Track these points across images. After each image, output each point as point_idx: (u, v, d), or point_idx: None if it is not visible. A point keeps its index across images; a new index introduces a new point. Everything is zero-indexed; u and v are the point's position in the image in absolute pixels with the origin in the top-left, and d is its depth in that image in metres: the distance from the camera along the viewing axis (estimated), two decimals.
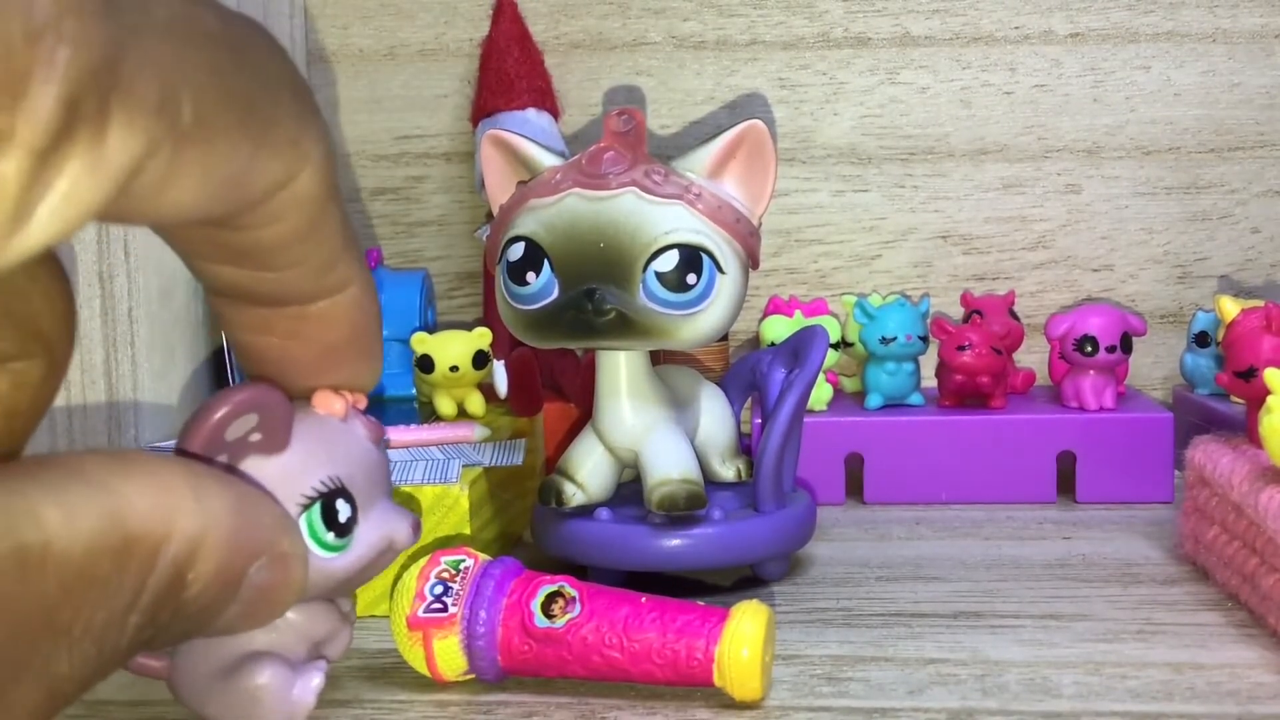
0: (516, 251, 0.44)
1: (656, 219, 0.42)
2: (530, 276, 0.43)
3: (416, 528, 0.33)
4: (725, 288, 0.43)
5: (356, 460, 0.32)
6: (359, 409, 0.32)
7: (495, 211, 0.46)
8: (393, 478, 0.45)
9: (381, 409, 0.60)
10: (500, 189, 0.46)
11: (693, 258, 0.43)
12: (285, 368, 0.31)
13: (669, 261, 0.42)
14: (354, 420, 0.32)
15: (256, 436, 0.30)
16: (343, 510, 0.31)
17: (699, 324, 0.43)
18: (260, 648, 0.32)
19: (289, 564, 0.28)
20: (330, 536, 0.31)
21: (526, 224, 0.44)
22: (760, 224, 0.45)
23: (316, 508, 0.31)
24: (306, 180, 0.26)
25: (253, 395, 0.29)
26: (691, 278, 0.43)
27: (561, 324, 0.43)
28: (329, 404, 0.31)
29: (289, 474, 0.30)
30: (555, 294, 0.43)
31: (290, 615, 0.33)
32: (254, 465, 0.30)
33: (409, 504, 0.45)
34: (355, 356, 0.31)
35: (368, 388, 0.32)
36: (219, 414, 0.29)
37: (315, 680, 0.33)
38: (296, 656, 0.33)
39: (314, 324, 0.30)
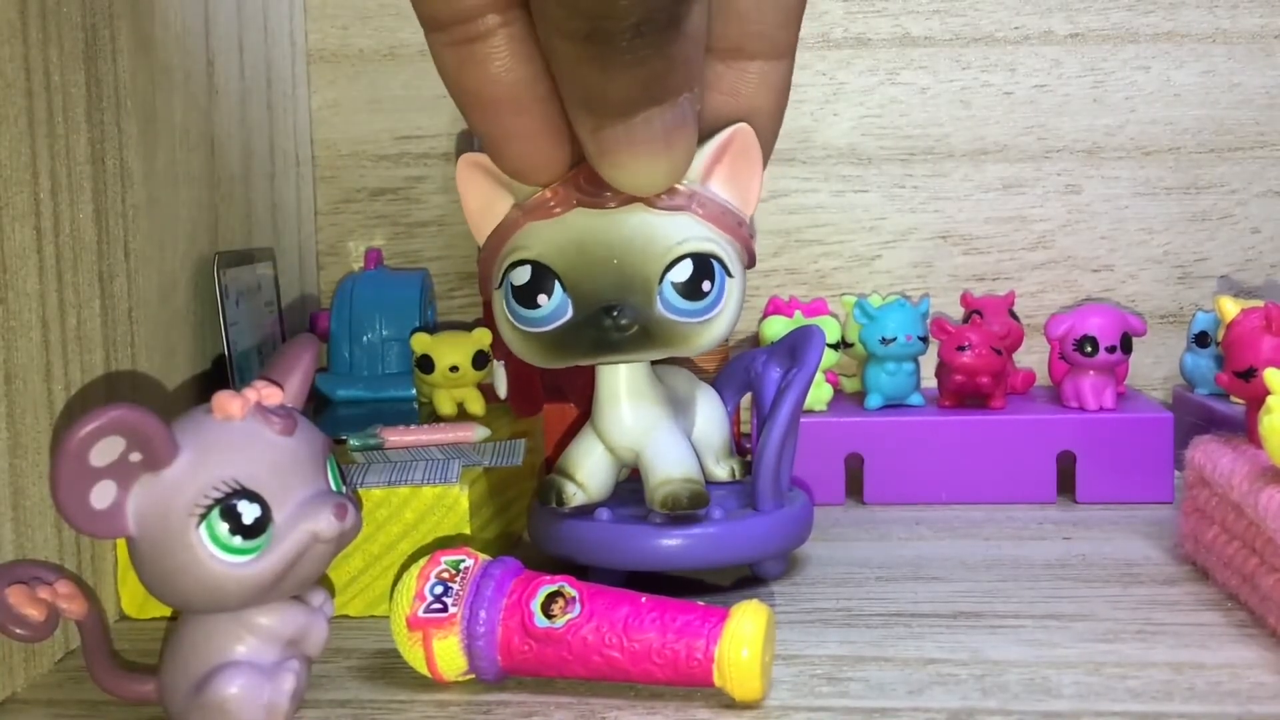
0: (523, 275, 0.42)
1: (667, 230, 0.42)
2: (541, 299, 0.42)
3: (341, 512, 0.32)
4: (733, 291, 0.43)
5: (260, 458, 0.31)
6: (269, 404, 0.32)
7: (480, 237, 0.44)
8: (392, 477, 0.46)
9: (382, 410, 0.60)
10: (483, 214, 0.44)
11: (705, 265, 0.42)
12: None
13: (684, 271, 0.42)
14: (257, 418, 0.31)
15: (136, 456, 0.29)
16: (247, 512, 0.30)
17: (713, 329, 0.43)
18: (231, 658, 0.32)
19: None
20: (238, 540, 0.30)
21: (531, 246, 0.42)
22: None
23: (215, 513, 0.30)
24: None
25: (113, 417, 0.29)
26: (706, 285, 0.42)
27: (582, 343, 0.42)
28: (224, 406, 0.31)
29: (179, 484, 0.30)
30: (570, 314, 0.42)
31: (259, 619, 0.32)
32: (146, 483, 0.30)
33: (408, 504, 0.45)
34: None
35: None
36: (73, 442, 0.28)
37: (287, 683, 0.32)
38: (270, 660, 0.33)
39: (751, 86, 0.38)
